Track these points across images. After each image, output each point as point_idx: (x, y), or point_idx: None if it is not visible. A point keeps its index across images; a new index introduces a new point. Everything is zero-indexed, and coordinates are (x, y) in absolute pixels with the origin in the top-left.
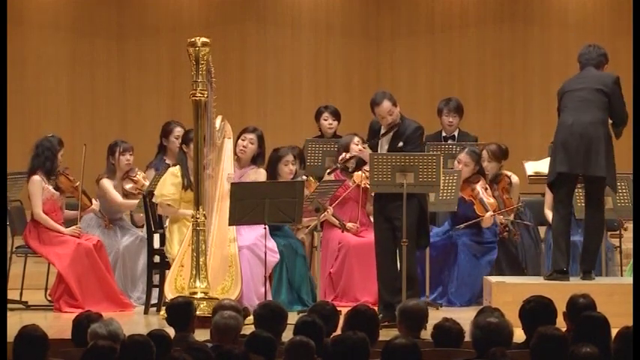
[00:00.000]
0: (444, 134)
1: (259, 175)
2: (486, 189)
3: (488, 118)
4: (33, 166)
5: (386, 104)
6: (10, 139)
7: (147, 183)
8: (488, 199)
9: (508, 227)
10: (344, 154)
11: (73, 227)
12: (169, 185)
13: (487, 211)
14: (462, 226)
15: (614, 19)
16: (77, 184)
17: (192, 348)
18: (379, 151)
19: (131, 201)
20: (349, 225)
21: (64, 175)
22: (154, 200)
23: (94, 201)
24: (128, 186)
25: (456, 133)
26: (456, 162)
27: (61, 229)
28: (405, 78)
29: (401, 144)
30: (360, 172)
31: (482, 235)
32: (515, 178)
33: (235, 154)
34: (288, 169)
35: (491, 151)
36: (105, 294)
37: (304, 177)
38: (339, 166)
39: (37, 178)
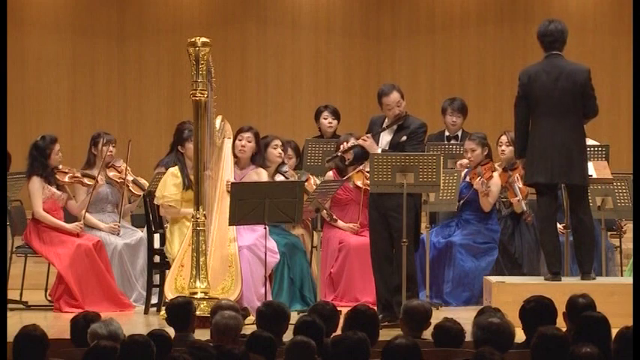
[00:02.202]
0: (447, 134)
1: (260, 175)
2: (494, 170)
3: (488, 118)
4: (29, 171)
5: (395, 95)
6: (10, 139)
7: (129, 170)
8: (519, 184)
9: (526, 210)
10: (344, 143)
11: (75, 223)
12: (170, 186)
13: (516, 196)
14: (462, 201)
15: (614, 19)
16: (76, 172)
17: (195, 347)
18: (380, 143)
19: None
20: (350, 225)
21: (59, 172)
22: (155, 202)
23: (100, 178)
24: (111, 174)
25: (459, 133)
26: (464, 152)
27: (63, 224)
28: (405, 78)
29: (404, 138)
30: (360, 174)
31: (481, 235)
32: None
33: (234, 155)
34: (277, 152)
35: (511, 137)
36: (105, 294)
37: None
38: (338, 154)
39: (37, 177)
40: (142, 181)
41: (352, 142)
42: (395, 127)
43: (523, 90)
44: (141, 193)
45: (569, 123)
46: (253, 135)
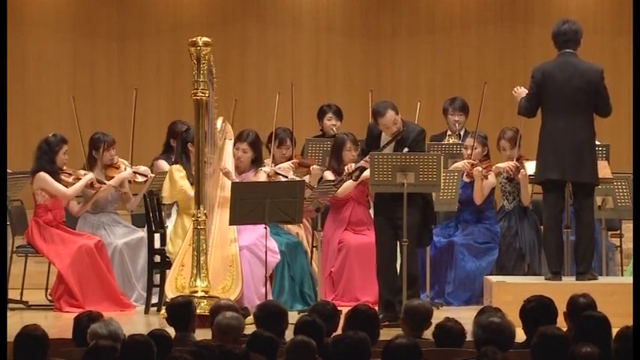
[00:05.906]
0: (449, 133)
1: (259, 177)
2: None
3: (488, 118)
4: (37, 166)
5: (390, 114)
6: (10, 139)
7: (125, 163)
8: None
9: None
10: (350, 165)
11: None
12: (179, 179)
13: (524, 169)
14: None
15: (614, 19)
16: (79, 172)
17: (197, 347)
18: None
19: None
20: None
21: (63, 172)
22: (164, 202)
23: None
24: (121, 175)
25: (461, 132)
26: (462, 149)
27: (80, 182)
28: (405, 78)
29: (406, 150)
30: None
31: (481, 235)
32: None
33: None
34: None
35: (508, 137)
36: (105, 294)
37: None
38: (344, 178)
39: (42, 173)
40: (143, 168)
41: (356, 165)
42: (394, 142)
43: (537, 86)
44: (145, 178)
45: (581, 121)
46: (249, 145)
